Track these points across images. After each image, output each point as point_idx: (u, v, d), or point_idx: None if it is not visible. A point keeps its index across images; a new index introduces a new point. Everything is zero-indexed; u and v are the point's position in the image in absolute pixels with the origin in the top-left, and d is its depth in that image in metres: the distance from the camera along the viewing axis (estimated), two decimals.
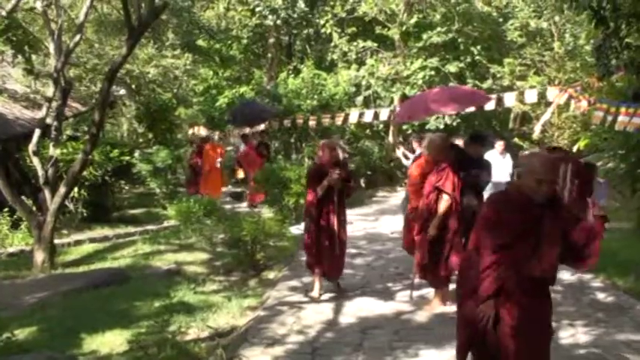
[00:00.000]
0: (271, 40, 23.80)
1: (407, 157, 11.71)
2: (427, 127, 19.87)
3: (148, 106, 17.63)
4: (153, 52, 20.14)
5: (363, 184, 19.06)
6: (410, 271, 8.00)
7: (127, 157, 13.80)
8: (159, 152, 14.81)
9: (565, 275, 7.92)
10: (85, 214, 12.16)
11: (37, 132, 10.01)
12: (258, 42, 25.56)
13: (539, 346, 3.88)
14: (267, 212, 12.65)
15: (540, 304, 3.91)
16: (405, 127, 21.41)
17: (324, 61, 23.05)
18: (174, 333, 5.92)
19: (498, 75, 21.24)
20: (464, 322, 4.03)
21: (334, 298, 7.39)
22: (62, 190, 9.43)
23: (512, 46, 22.61)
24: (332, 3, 22.05)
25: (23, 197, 10.36)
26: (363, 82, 20.89)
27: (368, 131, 21.86)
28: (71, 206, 11.86)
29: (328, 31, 21.87)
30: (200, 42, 24.05)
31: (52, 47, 10.47)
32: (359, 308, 7.01)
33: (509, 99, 15.15)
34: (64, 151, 11.61)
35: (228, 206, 15.03)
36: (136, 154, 14.62)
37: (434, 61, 20.56)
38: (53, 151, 10.03)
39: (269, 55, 24.37)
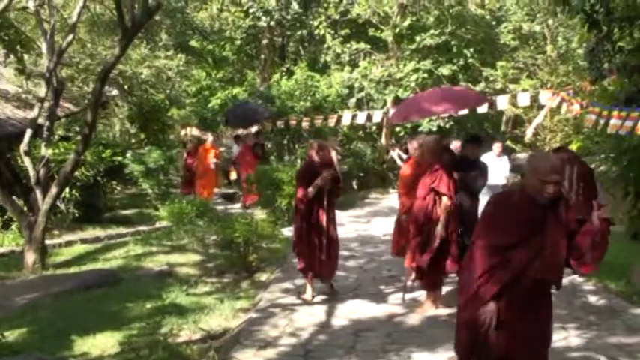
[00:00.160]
0: (264, 42, 23.82)
1: (402, 159, 11.71)
2: (420, 129, 19.91)
3: (140, 107, 17.58)
4: (146, 53, 20.11)
5: (355, 186, 19.06)
6: (402, 274, 8.02)
7: (119, 158, 13.75)
8: (151, 153, 14.76)
9: None
10: (76, 215, 12.08)
11: (29, 132, 9.95)
12: (252, 43, 25.58)
13: (540, 350, 3.85)
14: (259, 214, 12.62)
15: (542, 307, 3.85)
16: (397, 129, 21.45)
17: (317, 62, 23.07)
18: (166, 335, 5.91)
19: (491, 78, 21.35)
20: (465, 325, 3.96)
21: (327, 301, 7.38)
22: (54, 190, 9.37)
23: (505, 49, 22.76)
24: (325, 5, 22.09)
25: (14, 197, 10.29)
26: (356, 84, 20.93)
27: (361, 133, 21.90)
28: (62, 207, 11.78)
29: (322, 32, 21.92)
30: (193, 43, 24.04)
31: (44, 47, 10.40)
32: (351, 310, 7.00)
33: (502, 102, 15.22)
34: (56, 151, 11.55)
35: (220, 207, 14.99)
36: (128, 154, 14.56)
37: (427, 64, 20.63)
38: (45, 152, 9.97)
39: (262, 56, 24.38)
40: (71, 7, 15.21)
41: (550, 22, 21.23)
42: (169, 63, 21.03)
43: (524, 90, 17.77)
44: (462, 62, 21.35)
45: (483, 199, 10.28)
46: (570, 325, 6.37)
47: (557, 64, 20.53)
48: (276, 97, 18.84)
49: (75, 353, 5.76)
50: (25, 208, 10.24)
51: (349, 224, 13.06)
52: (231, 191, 17.91)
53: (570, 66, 20.36)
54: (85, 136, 9.48)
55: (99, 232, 12.04)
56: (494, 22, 22.85)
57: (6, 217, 10.75)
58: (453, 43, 21.33)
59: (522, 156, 22.52)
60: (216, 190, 16.97)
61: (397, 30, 20.85)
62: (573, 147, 14.30)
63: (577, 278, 8.06)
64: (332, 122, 17.51)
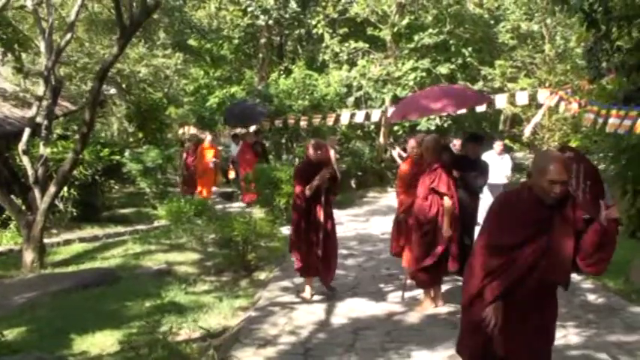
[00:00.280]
0: (262, 40, 23.80)
1: (402, 158, 11.70)
2: (418, 127, 19.90)
3: (138, 106, 17.57)
4: (144, 52, 20.10)
5: (353, 185, 19.06)
6: (401, 272, 8.03)
7: (117, 157, 13.74)
8: (149, 152, 14.75)
9: None
10: (74, 214, 12.08)
11: (27, 131, 9.92)
12: (250, 42, 25.57)
13: (544, 350, 3.80)
14: (258, 212, 12.62)
15: (548, 307, 3.80)
16: (395, 127, 21.45)
17: (315, 61, 23.06)
18: (165, 333, 5.90)
19: (489, 77, 21.33)
20: (470, 326, 3.89)
21: (326, 299, 7.38)
22: (52, 189, 9.35)
23: (504, 48, 22.74)
24: (324, 3, 22.06)
25: (13, 196, 10.27)
26: (355, 83, 20.90)
27: (359, 132, 21.89)
28: (61, 205, 11.78)
29: (320, 31, 21.89)
30: (191, 42, 24.01)
31: (42, 46, 10.38)
32: (351, 309, 7.01)
33: (500, 101, 15.22)
34: (54, 150, 11.54)
35: (219, 206, 14.99)
36: (126, 153, 14.55)
37: (425, 63, 20.61)
38: (43, 150, 9.95)
39: (260, 55, 24.36)
40: (69, 6, 15.19)
41: (548, 21, 21.23)
42: (167, 62, 21.03)
43: (522, 89, 17.77)
44: (460, 61, 21.33)
45: (484, 198, 10.32)
46: (569, 323, 6.37)
47: (556, 63, 20.53)
48: (275, 95, 18.82)
49: (74, 352, 5.74)
50: (24, 207, 10.23)
51: (348, 223, 13.07)
52: (229, 190, 17.91)
53: (568, 65, 20.36)
54: (84, 135, 9.46)
55: (97, 231, 12.04)
56: (492, 22, 22.83)
57: (4, 216, 10.74)
58: (451, 42, 21.31)
59: (521, 155, 22.62)
60: (214, 188, 16.97)
61: (395, 29, 20.82)
62: (572, 146, 14.34)
63: (576, 277, 8.07)
64: (330, 121, 17.51)
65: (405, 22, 20.90)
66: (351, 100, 20.94)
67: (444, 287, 7.39)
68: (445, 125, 20.30)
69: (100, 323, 6.38)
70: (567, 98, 13.25)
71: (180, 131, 21.47)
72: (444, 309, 6.93)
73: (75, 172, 10.95)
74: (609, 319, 6.61)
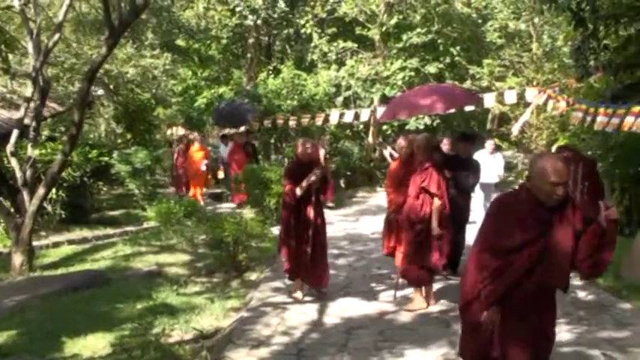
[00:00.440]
0: (251, 40, 23.79)
1: (393, 157, 11.72)
2: (407, 127, 19.95)
3: (126, 107, 17.47)
4: (132, 52, 19.96)
5: (342, 185, 19.07)
6: (392, 272, 8.04)
7: (106, 158, 13.66)
8: (138, 153, 14.69)
9: None
10: (63, 216, 11.99)
11: (15, 132, 9.85)
12: (238, 42, 25.51)
13: (543, 352, 3.78)
14: (248, 213, 12.59)
15: (546, 309, 3.76)
16: (384, 127, 21.48)
17: (304, 61, 23.06)
18: (157, 335, 5.87)
19: (477, 76, 21.44)
20: (469, 330, 3.86)
21: (318, 299, 7.36)
22: (41, 191, 9.28)
23: (491, 47, 22.87)
24: (312, 3, 22.08)
25: (1, 198, 10.18)
26: (343, 83, 20.93)
27: (348, 132, 21.91)
28: (49, 208, 11.68)
29: (308, 31, 21.91)
30: (179, 42, 23.91)
31: (30, 46, 10.28)
32: (343, 309, 7.00)
33: (489, 100, 15.27)
34: (43, 151, 11.45)
35: (209, 207, 14.95)
36: (115, 154, 14.48)
37: (414, 62, 20.67)
38: (31, 152, 9.86)
39: (248, 55, 24.34)
40: (56, 6, 15.07)
41: (536, 20, 21.34)
42: (155, 62, 20.88)
43: (510, 88, 17.85)
44: (448, 60, 21.43)
45: (476, 196, 10.34)
46: (561, 320, 6.36)
47: (543, 61, 20.65)
48: (263, 95, 18.80)
49: (65, 355, 5.71)
50: (12, 210, 10.14)
51: (338, 223, 13.07)
52: (218, 191, 17.85)
53: (555, 64, 20.49)
54: (72, 137, 9.39)
55: (86, 232, 11.96)
56: (480, 21, 22.94)
57: None
58: (439, 41, 21.40)
59: (509, 153, 22.72)
60: (204, 189, 16.93)
61: (384, 28, 20.88)
62: (559, 144, 14.41)
63: None
64: (319, 121, 17.50)
65: (393, 21, 20.95)
66: (339, 99, 20.96)
67: (436, 286, 7.41)
68: (434, 124, 20.36)
69: (91, 325, 6.34)
70: (555, 97, 13.32)
71: (169, 132, 21.37)
72: (435, 307, 6.95)
73: (63, 174, 10.87)
74: (600, 315, 6.66)
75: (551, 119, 18.73)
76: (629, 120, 9.64)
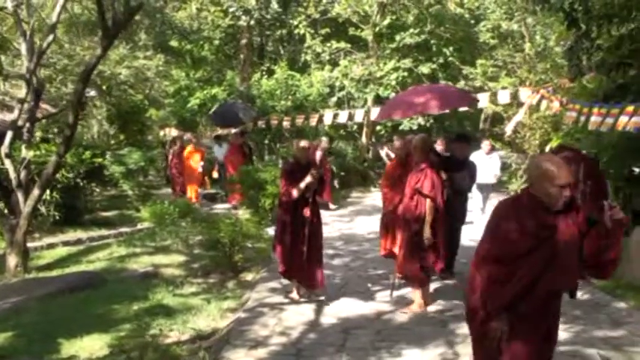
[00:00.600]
0: (243, 41, 23.74)
1: (389, 158, 11.73)
2: (401, 127, 19.98)
3: (119, 108, 17.45)
4: (125, 53, 19.88)
5: (336, 185, 19.07)
6: (388, 272, 8.05)
7: (99, 159, 13.62)
8: (131, 154, 14.65)
9: None
10: (57, 217, 11.95)
11: (9, 134, 9.81)
12: (230, 43, 25.46)
13: (545, 356, 3.70)
14: (244, 214, 12.58)
15: (555, 314, 3.69)
16: (378, 127, 21.51)
17: (297, 62, 23.06)
18: (155, 336, 5.86)
19: (470, 76, 21.46)
20: (478, 339, 3.75)
21: (314, 300, 7.37)
22: (35, 192, 9.25)
23: (484, 47, 22.90)
24: (305, 4, 22.07)
25: None
26: (337, 83, 20.96)
27: (342, 132, 21.93)
28: (43, 209, 11.63)
29: (301, 31, 21.90)
30: (172, 43, 23.84)
31: (23, 48, 10.25)
32: (340, 309, 7.02)
33: (482, 100, 15.30)
34: (37, 153, 11.41)
35: (204, 208, 14.92)
36: (108, 155, 14.44)
37: (407, 62, 20.71)
38: (26, 154, 9.83)
39: (241, 56, 24.29)
40: (49, 8, 15.00)
41: (528, 20, 21.38)
42: (148, 63, 20.79)
43: (503, 88, 17.89)
44: (441, 61, 21.47)
45: (473, 197, 10.35)
46: None
47: (536, 62, 20.68)
48: (257, 96, 18.81)
49: (63, 356, 5.70)
50: (6, 211, 10.10)
51: (333, 223, 13.07)
52: (212, 191, 17.83)
53: (548, 64, 20.50)
54: (67, 138, 9.36)
55: (80, 234, 11.92)
56: (473, 21, 22.99)
57: None
58: (432, 41, 21.44)
59: (502, 153, 22.76)
60: (200, 190, 16.92)
61: (377, 29, 20.90)
62: (553, 144, 14.43)
63: None
64: (313, 121, 17.51)
65: (386, 22, 20.98)
66: (333, 100, 20.98)
67: (432, 286, 7.42)
68: (427, 125, 20.40)
69: (88, 327, 6.32)
70: (549, 97, 13.35)
71: (162, 133, 21.33)
72: (432, 307, 6.98)
73: (57, 175, 10.84)
74: (595, 314, 6.70)
75: (544, 119, 18.75)
76: (622, 119, 9.67)
